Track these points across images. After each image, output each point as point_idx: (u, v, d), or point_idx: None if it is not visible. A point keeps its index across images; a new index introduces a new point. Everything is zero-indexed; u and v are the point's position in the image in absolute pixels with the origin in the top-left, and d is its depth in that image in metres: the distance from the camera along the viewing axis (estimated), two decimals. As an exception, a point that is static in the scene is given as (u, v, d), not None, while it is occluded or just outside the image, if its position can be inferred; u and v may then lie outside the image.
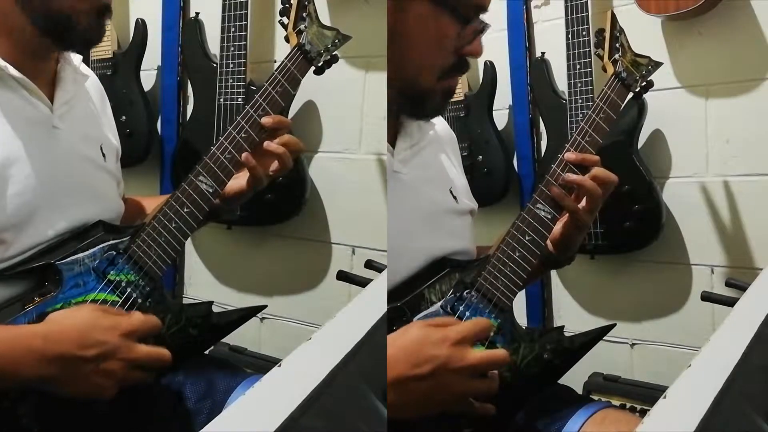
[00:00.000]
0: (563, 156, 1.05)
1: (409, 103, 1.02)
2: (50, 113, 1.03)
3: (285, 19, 1.13)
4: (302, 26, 1.12)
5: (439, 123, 1.19)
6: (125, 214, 1.17)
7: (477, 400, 0.93)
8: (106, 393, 0.93)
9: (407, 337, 0.91)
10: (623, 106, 1.10)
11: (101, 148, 1.13)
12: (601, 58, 1.12)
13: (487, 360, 0.91)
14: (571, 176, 1.03)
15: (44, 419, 0.93)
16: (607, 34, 1.12)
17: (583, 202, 1.06)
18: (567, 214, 1.06)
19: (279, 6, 1.16)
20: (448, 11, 0.96)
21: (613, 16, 1.12)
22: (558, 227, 1.08)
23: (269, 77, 1.10)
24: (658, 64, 1.13)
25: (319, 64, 1.13)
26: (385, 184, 1.77)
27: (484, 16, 0.99)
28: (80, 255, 1.01)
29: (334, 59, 1.15)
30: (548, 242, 1.08)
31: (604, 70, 1.12)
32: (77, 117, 1.09)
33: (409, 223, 1.03)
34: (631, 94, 1.11)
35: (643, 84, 1.11)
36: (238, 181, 1.12)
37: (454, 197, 1.13)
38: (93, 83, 1.17)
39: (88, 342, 0.90)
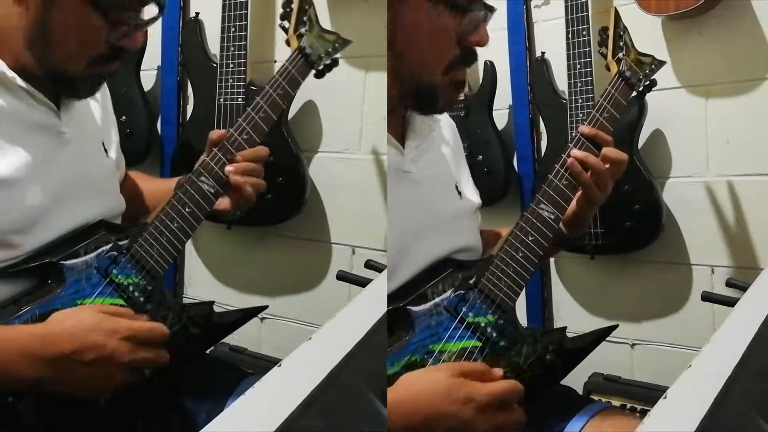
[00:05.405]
0: (578, 130, 1.05)
1: (418, 100, 1.02)
2: (57, 119, 1.03)
3: (286, 23, 1.14)
4: (303, 30, 1.13)
5: (443, 118, 1.19)
6: (127, 200, 1.18)
7: None
8: (103, 394, 0.93)
9: (430, 382, 0.88)
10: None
11: (103, 144, 1.13)
12: (605, 56, 1.12)
13: None
14: (576, 152, 1.04)
15: (45, 417, 0.92)
16: (611, 33, 1.11)
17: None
18: (581, 191, 1.06)
19: (279, 6, 1.16)
20: (443, 3, 0.95)
21: (617, 14, 1.11)
22: (572, 205, 1.07)
23: (270, 79, 1.11)
24: (661, 63, 1.12)
25: (320, 68, 1.14)
26: (385, 184, 1.77)
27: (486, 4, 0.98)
28: (83, 254, 1.01)
29: (335, 63, 1.16)
30: (561, 224, 1.07)
31: (608, 68, 1.12)
32: (83, 119, 1.09)
33: (416, 223, 1.02)
34: (634, 93, 1.11)
35: (646, 83, 1.11)
36: (223, 201, 1.11)
37: (459, 192, 1.13)
38: None
39: (86, 345, 0.89)
